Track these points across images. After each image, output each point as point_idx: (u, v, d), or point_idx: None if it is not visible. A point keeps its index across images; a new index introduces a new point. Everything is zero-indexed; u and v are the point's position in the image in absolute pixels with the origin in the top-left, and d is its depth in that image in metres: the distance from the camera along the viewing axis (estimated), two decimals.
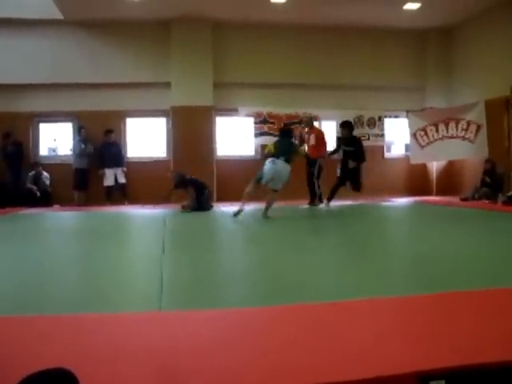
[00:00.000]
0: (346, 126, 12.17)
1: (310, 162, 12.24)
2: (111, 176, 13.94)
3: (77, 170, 13.88)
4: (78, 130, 14.20)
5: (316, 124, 14.84)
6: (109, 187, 13.99)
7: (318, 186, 12.30)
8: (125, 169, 14.09)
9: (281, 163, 9.60)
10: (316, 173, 12.23)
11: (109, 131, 14.12)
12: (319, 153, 12.24)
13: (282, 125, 14.41)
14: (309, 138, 12.40)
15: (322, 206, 12.16)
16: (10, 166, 13.67)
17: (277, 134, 14.40)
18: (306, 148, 12.22)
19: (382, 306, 3.29)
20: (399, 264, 5.03)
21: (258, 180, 9.85)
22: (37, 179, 13.79)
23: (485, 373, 2.17)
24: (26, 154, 14.25)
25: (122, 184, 13.99)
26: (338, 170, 12.21)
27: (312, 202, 12.41)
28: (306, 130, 12.68)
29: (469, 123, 13.92)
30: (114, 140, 14.18)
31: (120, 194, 14.07)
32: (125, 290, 4.13)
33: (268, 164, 9.67)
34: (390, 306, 3.30)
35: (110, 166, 13.90)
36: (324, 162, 12.36)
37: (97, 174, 14.00)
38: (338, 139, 12.76)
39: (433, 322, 2.86)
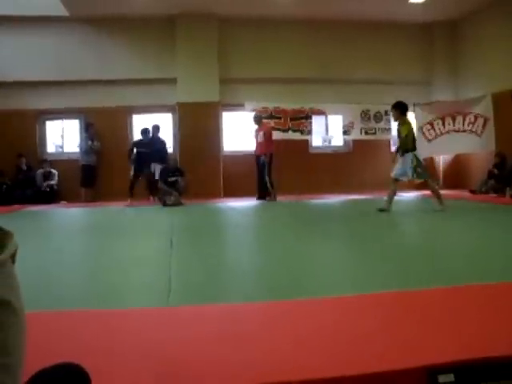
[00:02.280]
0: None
1: (258, 158, 12.54)
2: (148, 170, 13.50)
3: (84, 166, 13.85)
4: (86, 127, 14.17)
5: (322, 118, 14.89)
6: (133, 181, 13.52)
7: (271, 183, 12.57)
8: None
9: None
10: (267, 169, 12.46)
11: (156, 127, 13.84)
12: (267, 149, 12.53)
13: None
14: (257, 135, 12.71)
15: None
16: None
17: (284, 129, 14.47)
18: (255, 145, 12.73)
19: (389, 299, 3.29)
20: (406, 258, 5.02)
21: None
22: (46, 176, 13.83)
23: (494, 366, 2.17)
24: (33, 151, 14.28)
25: (155, 180, 13.36)
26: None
27: (261, 197, 12.71)
28: (256, 127, 12.92)
29: (476, 117, 13.88)
30: (158, 136, 13.79)
31: (150, 190, 13.66)
32: (133, 285, 4.13)
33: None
34: (397, 299, 3.29)
35: (152, 161, 13.37)
36: (272, 158, 12.66)
37: (104, 171, 14.00)
38: None
39: (441, 316, 2.86)
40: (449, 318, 2.81)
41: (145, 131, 13.59)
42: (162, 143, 13.67)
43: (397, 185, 9.36)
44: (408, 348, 2.34)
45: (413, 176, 9.14)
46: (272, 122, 14.70)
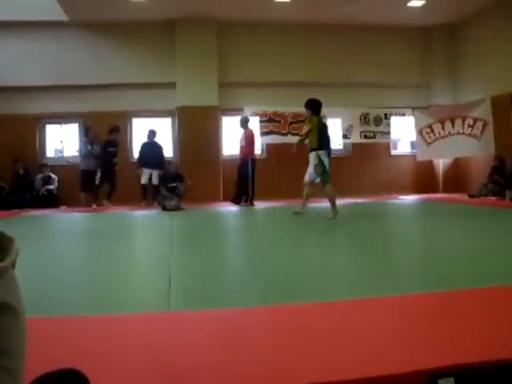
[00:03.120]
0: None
1: (243, 161, 12.51)
2: (147, 175, 13.68)
3: (83, 171, 13.81)
4: (85, 132, 14.15)
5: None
6: (144, 186, 13.76)
7: (252, 187, 12.58)
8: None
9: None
10: (250, 173, 12.46)
11: (152, 132, 13.97)
12: (250, 152, 12.57)
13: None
14: (241, 139, 12.73)
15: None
16: None
17: (283, 132, 14.48)
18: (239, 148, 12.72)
19: (390, 303, 3.29)
20: (407, 262, 5.02)
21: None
22: (45, 181, 13.83)
23: (494, 370, 2.16)
24: (32, 156, 14.29)
25: (155, 185, 13.48)
26: None
27: (237, 202, 12.66)
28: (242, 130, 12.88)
29: (475, 120, 13.89)
30: (155, 141, 13.92)
31: (151, 195, 13.69)
32: (133, 289, 4.13)
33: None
34: (398, 303, 3.29)
35: (148, 167, 13.64)
36: (254, 161, 12.70)
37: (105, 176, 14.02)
38: None
39: (441, 319, 2.86)
40: (449, 321, 2.81)
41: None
42: (159, 148, 13.72)
43: (311, 188, 9.62)
44: (408, 351, 2.34)
45: (317, 175, 9.20)
46: (271, 126, 14.71)
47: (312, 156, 9.19)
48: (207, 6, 13.52)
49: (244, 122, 12.84)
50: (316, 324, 2.87)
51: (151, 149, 13.67)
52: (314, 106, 9.44)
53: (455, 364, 2.15)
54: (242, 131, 12.87)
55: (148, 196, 13.62)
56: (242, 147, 12.63)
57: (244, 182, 12.55)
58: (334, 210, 9.14)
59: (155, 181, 13.37)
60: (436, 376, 2.10)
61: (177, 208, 11.77)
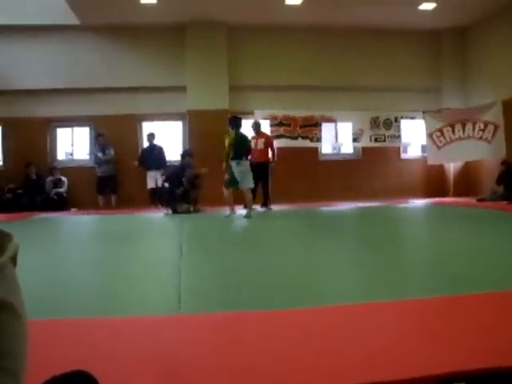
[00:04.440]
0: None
1: (259, 166, 12.33)
2: (153, 178, 13.85)
3: (99, 177, 13.89)
4: (96, 138, 14.23)
5: (332, 125, 14.92)
6: (152, 189, 13.90)
7: (270, 190, 12.66)
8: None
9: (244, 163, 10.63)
10: (269, 177, 12.54)
11: (151, 135, 14.18)
12: (267, 157, 12.56)
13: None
14: (257, 143, 12.61)
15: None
16: None
17: (294, 136, 14.47)
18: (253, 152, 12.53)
19: (399, 308, 3.27)
20: (416, 266, 5.00)
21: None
22: (55, 184, 13.89)
23: (506, 376, 2.15)
24: (43, 159, 14.37)
25: (161, 187, 13.51)
26: None
27: (265, 205, 12.66)
28: (254, 134, 12.83)
29: (486, 123, 13.85)
30: (154, 143, 14.13)
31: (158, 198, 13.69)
32: (143, 292, 4.13)
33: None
34: (407, 308, 3.27)
35: (152, 169, 13.82)
36: (274, 166, 12.74)
37: (124, 178, 14.09)
38: None
39: (452, 324, 2.84)
40: (461, 326, 2.79)
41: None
42: (159, 149, 13.81)
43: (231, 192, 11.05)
44: (419, 356, 2.32)
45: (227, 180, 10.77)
46: (281, 130, 14.71)
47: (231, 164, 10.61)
48: (217, 9, 13.54)
49: (258, 127, 12.82)
50: (324, 328, 2.86)
51: (151, 151, 13.85)
52: (232, 123, 10.96)
53: (467, 370, 2.14)
54: (254, 135, 12.84)
55: (156, 198, 13.67)
56: (259, 151, 12.56)
57: (266, 185, 12.56)
58: (232, 211, 11.04)
59: (160, 183, 13.43)
60: (447, 381, 2.09)
61: (188, 211, 11.75)
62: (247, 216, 10.36)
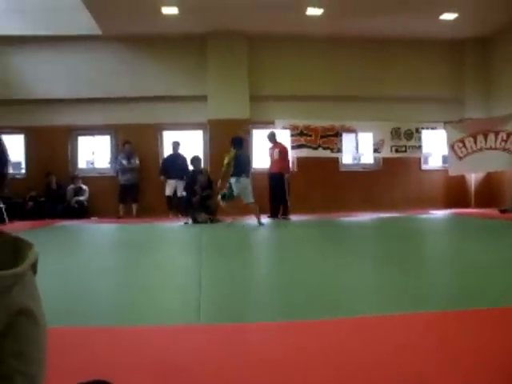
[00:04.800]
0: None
1: (275, 176, 12.55)
2: (172, 187, 13.84)
3: (122, 186, 13.95)
4: (122, 145, 14.30)
5: (352, 136, 14.89)
6: (169, 197, 13.93)
7: (287, 201, 12.62)
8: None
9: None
10: (286, 187, 12.52)
11: (176, 143, 14.24)
12: (283, 167, 12.62)
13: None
14: (272, 153, 12.76)
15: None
16: None
17: (314, 146, 14.47)
18: (270, 163, 12.89)
19: (420, 320, 3.24)
20: (438, 278, 4.96)
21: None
22: (76, 192, 13.98)
23: None
24: (64, 167, 14.49)
25: (180, 197, 13.51)
26: None
27: (275, 216, 12.66)
28: (271, 145, 12.97)
29: (508, 134, 13.75)
30: (179, 152, 14.15)
31: (176, 206, 13.77)
32: (163, 302, 4.14)
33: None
34: (428, 320, 3.24)
35: (173, 178, 13.79)
36: (289, 176, 12.72)
37: (146, 187, 14.15)
38: None
39: (474, 339, 2.81)
40: (481, 340, 2.76)
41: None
42: (183, 159, 13.79)
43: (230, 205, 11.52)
44: (439, 371, 2.30)
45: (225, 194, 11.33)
46: (302, 139, 14.70)
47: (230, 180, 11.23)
48: (239, 19, 13.58)
49: (273, 137, 12.89)
50: (345, 340, 2.84)
51: (175, 160, 13.80)
52: (233, 142, 11.56)
53: None
54: (271, 146, 12.90)
55: (173, 207, 13.71)
56: (275, 162, 12.60)
57: (283, 196, 12.54)
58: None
59: (180, 192, 13.42)
60: None
61: (206, 221, 11.75)
62: (260, 224, 11.00)
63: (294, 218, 12.49)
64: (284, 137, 14.37)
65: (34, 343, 0.99)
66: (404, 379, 2.21)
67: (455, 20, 13.72)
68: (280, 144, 12.97)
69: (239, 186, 11.12)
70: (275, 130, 13.43)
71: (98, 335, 3.04)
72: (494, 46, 15.40)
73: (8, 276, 0.94)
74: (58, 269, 5.47)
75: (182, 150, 14.18)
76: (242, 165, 11.27)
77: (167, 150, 14.67)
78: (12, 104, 14.10)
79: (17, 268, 0.96)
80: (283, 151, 12.72)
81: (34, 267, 1.03)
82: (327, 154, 14.90)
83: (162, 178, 13.87)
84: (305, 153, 14.67)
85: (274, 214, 12.68)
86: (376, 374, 2.28)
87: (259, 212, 11.18)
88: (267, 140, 13.03)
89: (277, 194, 12.59)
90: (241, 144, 11.63)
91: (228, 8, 12.81)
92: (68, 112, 14.49)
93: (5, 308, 0.94)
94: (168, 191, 13.83)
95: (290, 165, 13.21)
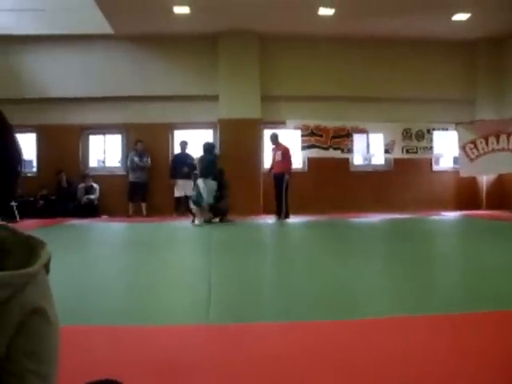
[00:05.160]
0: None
1: (277, 176, 12.56)
2: (181, 188, 13.75)
3: (131, 183, 13.98)
4: (135, 144, 14.31)
5: (363, 136, 14.86)
6: (178, 198, 13.91)
7: (285, 201, 12.55)
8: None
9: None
10: (284, 188, 12.47)
11: (183, 142, 14.27)
12: (285, 168, 12.57)
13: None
14: (275, 155, 12.77)
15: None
16: None
17: (325, 146, 14.44)
18: (271, 164, 12.92)
19: (426, 322, 3.23)
20: (446, 280, 4.94)
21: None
22: (87, 191, 14.02)
23: None
24: (75, 165, 14.54)
25: (189, 196, 13.17)
26: None
27: (279, 216, 12.61)
28: (273, 146, 13.00)
29: None
30: (187, 152, 14.15)
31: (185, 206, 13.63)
32: (172, 302, 4.14)
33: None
34: (435, 322, 3.23)
35: (181, 178, 13.75)
36: (290, 177, 12.64)
37: (156, 186, 14.16)
38: None
39: (481, 341, 2.79)
40: (500, 342, 2.74)
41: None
42: (192, 159, 13.78)
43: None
44: (458, 374, 2.29)
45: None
46: (313, 140, 14.68)
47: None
48: (250, 19, 13.57)
49: (276, 138, 12.90)
50: (359, 341, 2.83)
51: (184, 160, 13.78)
52: (203, 148, 12.14)
53: None
54: (273, 147, 12.94)
55: (181, 208, 13.69)
56: (277, 163, 12.62)
57: (281, 196, 12.55)
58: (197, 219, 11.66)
59: (189, 192, 13.35)
60: None
61: (210, 220, 11.70)
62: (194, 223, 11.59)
63: (303, 218, 12.47)
64: (295, 137, 14.38)
65: (46, 342, 1.00)
66: (407, 381, 2.20)
67: (468, 20, 13.65)
68: (282, 145, 12.96)
69: (203, 186, 11.61)
70: (285, 131, 13.40)
71: (105, 334, 3.04)
72: (506, 46, 15.31)
73: (22, 275, 0.95)
74: (67, 267, 5.47)
75: (190, 150, 14.16)
76: (205, 168, 11.80)
77: (178, 150, 14.67)
78: (24, 102, 14.13)
79: (30, 267, 0.97)
80: (285, 153, 12.71)
81: (46, 266, 1.04)
82: (338, 154, 14.87)
83: (173, 181, 13.87)
84: (315, 153, 14.65)
85: (278, 214, 12.67)
86: (381, 375, 2.28)
87: (209, 214, 11.78)
88: (270, 141, 13.04)
89: (278, 195, 12.62)
90: (209, 150, 12.09)
91: (239, 7, 12.80)
92: (80, 111, 14.53)
93: (18, 307, 0.94)
94: (177, 193, 13.81)
95: (293, 166, 13.13)
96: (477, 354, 2.54)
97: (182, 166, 13.68)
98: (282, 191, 12.50)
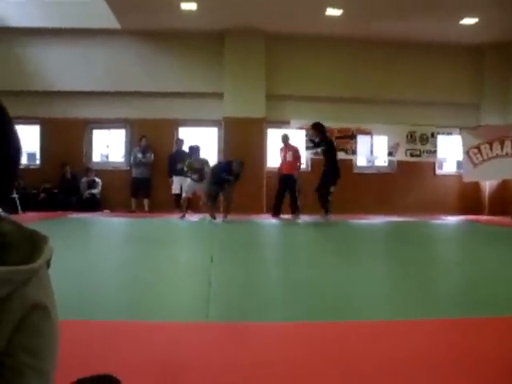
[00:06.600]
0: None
1: (287, 177, 12.71)
2: (178, 184, 13.71)
3: (134, 179, 14.00)
4: (139, 140, 14.31)
5: (367, 138, 14.85)
6: (177, 195, 13.82)
7: (298, 200, 12.73)
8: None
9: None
10: (296, 187, 12.67)
11: (179, 140, 14.29)
12: (297, 168, 12.82)
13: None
14: (285, 155, 12.87)
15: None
16: None
17: None
18: (281, 164, 13.05)
19: (429, 327, 3.22)
20: (447, 285, 4.93)
21: None
22: (89, 185, 14.03)
23: None
24: (79, 159, 14.55)
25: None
26: None
27: (277, 215, 12.80)
28: (282, 146, 13.11)
29: None
30: (183, 149, 14.02)
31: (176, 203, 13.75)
32: (172, 298, 4.13)
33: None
34: (438, 327, 3.22)
35: (178, 175, 13.60)
36: (299, 177, 12.82)
37: (158, 183, 14.16)
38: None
39: (485, 347, 2.78)
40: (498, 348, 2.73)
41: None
42: (187, 156, 13.76)
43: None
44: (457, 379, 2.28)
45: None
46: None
47: None
48: (257, 18, 13.57)
49: (287, 139, 12.97)
50: (359, 344, 2.82)
51: (180, 157, 13.72)
52: (189, 150, 12.64)
53: None
54: (282, 147, 12.98)
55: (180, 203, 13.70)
56: (288, 163, 12.66)
57: (295, 196, 12.64)
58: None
59: (184, 188, 13.31)
60: None
61: (215, 217, 11.65)
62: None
63: (306, 218, 12.47)
64: (298, 137, 14.36)
65: (46, 338, 1.00)
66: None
67: (475, 25, 13.63)
68: (292, 146, 13.02)
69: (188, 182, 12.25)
70: (289, 131, 13.42)
71: (104, 330, 3.04)
72: None
73: (25, 271, 0.95)
74: (66, 261, 5.47)
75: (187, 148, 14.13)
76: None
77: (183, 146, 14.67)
78: (28, 95, 14.16)
79: (33, 262, 0.96)
80: (296, 153, 12.77)
81: (47, 262, 1.03)
82: (342, 155, 14.84)
83: (170, 179, 13.90)
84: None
85: (276, 214, 12.73)
86: (386, 377, 2.27)
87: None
88: (281, 141, 13.06)
89: (290, 195, 12.69)
90: (194, 152, 12.43)
91: (246, 5, 12.81)
92: (84, 105, 14.54)
93: (19, 302, 0.94)
94: (175, 189, 13.81)
95: (300, 167, 13.17)
96: (482, 358, 2.53)
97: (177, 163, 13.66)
98: (295, 191, 12.62)
